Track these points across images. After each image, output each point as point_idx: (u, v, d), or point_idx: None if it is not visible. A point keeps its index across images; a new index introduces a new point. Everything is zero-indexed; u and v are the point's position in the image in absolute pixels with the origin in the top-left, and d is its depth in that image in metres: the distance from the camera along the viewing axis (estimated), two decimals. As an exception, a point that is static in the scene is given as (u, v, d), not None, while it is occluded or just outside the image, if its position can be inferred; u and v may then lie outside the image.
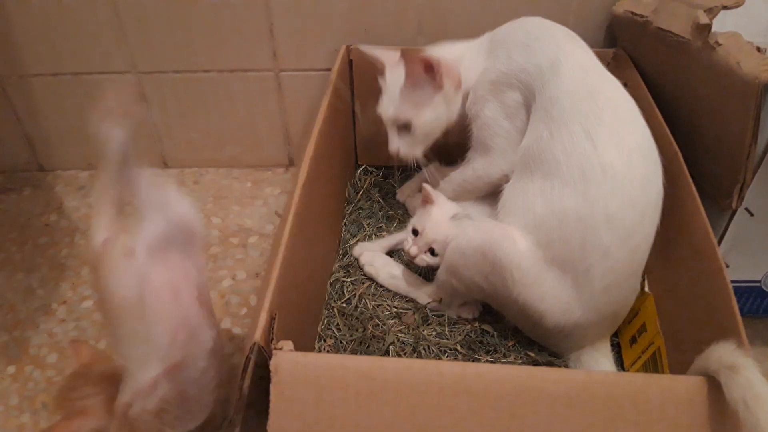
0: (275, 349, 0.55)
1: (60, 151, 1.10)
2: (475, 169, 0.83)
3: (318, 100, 1.00)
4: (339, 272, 0.89)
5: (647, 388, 0.53)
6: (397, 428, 0.53)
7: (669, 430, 0.52)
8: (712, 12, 0.69)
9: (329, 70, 0.96)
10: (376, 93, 0.86)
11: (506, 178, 0.77)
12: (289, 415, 0.54)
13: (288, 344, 0.56)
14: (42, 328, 0.87)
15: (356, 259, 0.90)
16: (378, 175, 1.05)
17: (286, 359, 0.54)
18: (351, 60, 0.95)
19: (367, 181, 1.03)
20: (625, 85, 0.86)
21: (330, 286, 0.87)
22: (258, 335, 0.56)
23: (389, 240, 0.92)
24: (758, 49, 0.66)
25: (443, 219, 0.81)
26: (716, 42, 0.69)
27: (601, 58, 0.90)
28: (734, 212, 0.74)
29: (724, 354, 0.52)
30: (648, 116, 0.78)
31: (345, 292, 0.87)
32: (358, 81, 0.96)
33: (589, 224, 0.65)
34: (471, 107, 0.82)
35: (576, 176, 0.66)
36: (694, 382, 0.53)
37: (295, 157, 1.11)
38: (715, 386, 0.52)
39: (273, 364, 0.54)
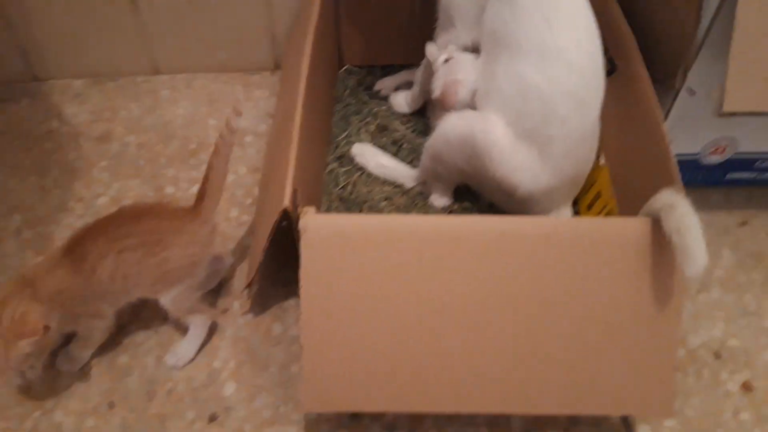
0: (301, 212, 0.66)
1: (54, 60, 1.13)
2: (439, 44, 0.93)
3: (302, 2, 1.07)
4: (333, 163, 0.99)
5: (604, 227, 0.67)
6: (408, 268, 0.65)
7: (620, 258, 0.65)
8: None
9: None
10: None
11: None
12: (319, 262, 0.65)
13: (311, 209, 0.67)
14: (63, 223, 0.95)
15: (347, 152, 1.00)
16: (361, 74, 1.13)
17: (312, 219, 0.65)
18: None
19: (352, 81, 1.12)
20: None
21: (327, 175, 0.98)
22: (286, 201, 0.66)
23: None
24: (702, -57, 0.76)
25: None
26: (668, -62, 0.78)
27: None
28: (678, 92, 0.86)
29: (665, 196, 0.65)
30: (608, 11, 0.88)
31: (340, 180, 0.97)
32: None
33: (548, 98, 0.77)
34: None
35: (535, 56, 0.77)
36: (640, 221, 0.66)
37: (280, 60, 1.18)
38: (657, 225, 0.65)
39: (302, 223, 0.65)
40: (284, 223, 0.69)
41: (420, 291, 0.66)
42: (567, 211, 0.89)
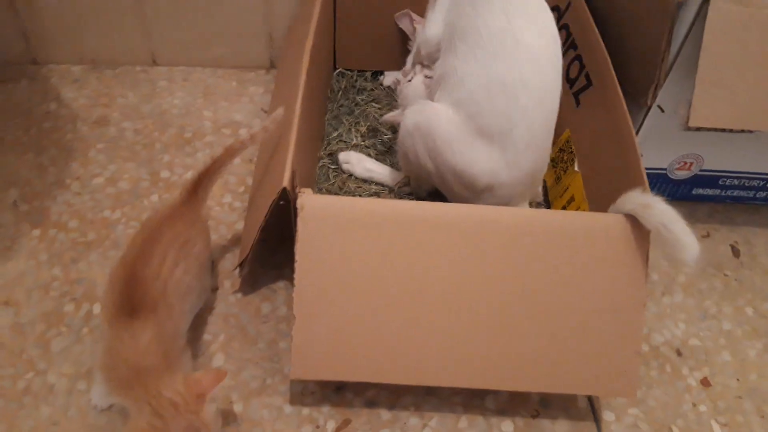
0: (299, 192, 0.70)
1: (54, 45, 1.16)
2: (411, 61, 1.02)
3: (300, 3, 1.12)
4: (325, 159, 1.04)
5: (578, 220, 0.73)
6: (395, 249, 0.70)
7: (593, 249, 0.71)
8: (644, -58, 0.86)
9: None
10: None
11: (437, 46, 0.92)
12: (314, 239, 0.69)
13: (308, 190, 0.71)
14: (59, 200, 0.97)
15: (338, 150, 1.04)
16: (353, 77, 1.18)
17: (309, 199, 0.70)
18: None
19: (344, 83, 1.17)
20: (569, 4, 1.03)
21: (319, 169, 1.02)
22: (286, 181, 0.70)
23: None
24: (676, -26, 0.83)
25: None
26: (645, -33, 0.85)
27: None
28: (649, 109, 0.93)
29: (637, 196, 0.71)
30: (586, 31, 0.95)
31: (330, 176, 1.02)
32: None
33: (509, 90, 0.79)
34: None
35: (496, 48, 0.81)
36: (612, 217, 0.72)
37: (275, 59, 1.23)
38: (623, 221, 0.71)
39: (299, 202, 0.69)
40: (282, 202, 0.73)
41: (406, 270, 0.70)
42: (525, 206, 0.93)
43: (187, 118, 1.12)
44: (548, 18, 0.85)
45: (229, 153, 0.82)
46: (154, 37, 1.17)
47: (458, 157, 0.84)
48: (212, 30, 1.17)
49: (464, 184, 0.86)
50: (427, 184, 0.95)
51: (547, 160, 0.90)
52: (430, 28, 0.93)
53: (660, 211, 0.69)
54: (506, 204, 0.88)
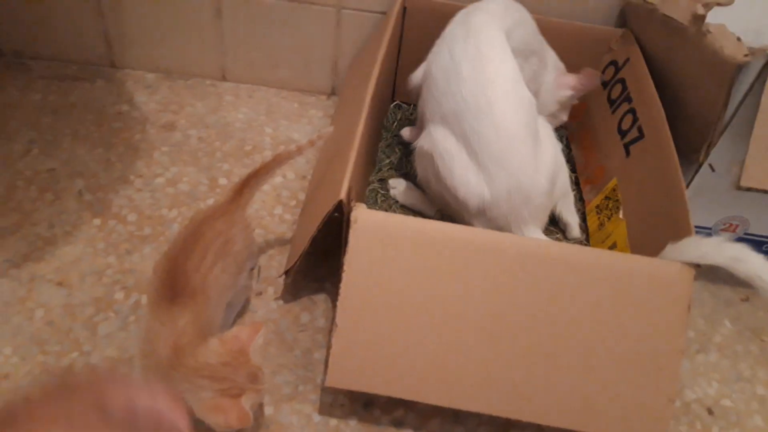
0: (354, 206, 0.74)
1: (132, 51, 1.24)
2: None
3: (368, 39, 1.18)
4: (375, 183, 1.08)
5: (622, 261, 0.74)
6: (440, 270, 0.72)
7: (635, 293, 0.72)
8: (707, 6, 0.88)
9: (385, 13, 1.13)
10: (423, 41, 1.03)
11: None
12: (363, 252, 0.72)
13: (362, 205, 0.74)
14: (122, 194, 1.02)
15: (388, 177, 1.08)
16: (408, 110, 1.23)
17: (362, 212, 0.73)
18: (405, 7, 1.12)
19: (400, 115, 1.21)
20: (627, 60, 1.06)
21: (369, 192, 1.06)
22: (342, 194, 0.74)
23: None
24: (738, 39, 0.86)
25: None
26: (707, 30, 0.88)
27: (611, 36, 1.11)
28: (700, 166, 0.94)
29: (721, 248, 0.71)
30: (642, 86, 0.98)
31: (378, 200, 1.05)
32: (408, 27, 1.14)
33: (461, 117, 0.87)
34: None
35: (442, 86, 0.90)
36: (660, 262, 0.73)
37: (337, 87, 1.28)
38: (668, 267, 0.72)
39: (353, 215, 0.73)
40: (336, 214, 0.76)
41: (449, 292, 0.72)
42: (538, 233, 0.93)
43: (249, 132, 1.17)
44: (495, 53, 0.89)
45: (277, 161, 0.86)
46: (227, 54, 1.24)
47: (451, 179, 0.89)
48: (281, 53, 1.23)
49: (465, 211, 0.90)
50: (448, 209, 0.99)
51: (536, 182, 0.89)
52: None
53: (754, 263, 0.70)
54: (501, 229, 0.89)
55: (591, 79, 1.08)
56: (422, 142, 0.94)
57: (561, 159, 0.98)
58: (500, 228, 0.89)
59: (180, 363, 0.66)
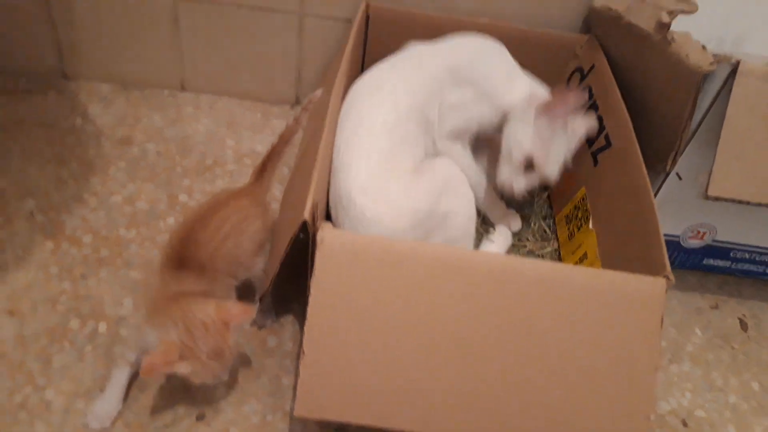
0: (318, 227, 0.71)
1: (86, 62, 1.19)
2: None
3: (333, 47, 1.15)
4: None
5: (596, 278, 0.72)
6: (411, 291, 0.70)
7: (607, 307, 0.71)
8: (672, 14, 0.88)
9: (350, 21, 1.10)
10: (387, 49, 1.01)
11: None
12: (330, 274, 0.69)
13: (328, 225, 0.71)
14: (76, 214, 0.98)
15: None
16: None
17: (329, 232, 0.70)
18: (368, 15, 1.09)
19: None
20: (592, 67, 1.06)
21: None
22: (306, 214, 0.71)
23: None
24: (703, 47, 0.85)
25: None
26: (672, 38, 0.87)
27: (576, 42, 1.10)
28: (667, 175, 0.94)
29: None
30: (608, 94, 0.97)
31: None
32: (372, 36, 1.11)
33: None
34: None
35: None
36: (633, 277, 0.72)
37: (301, 96, 1.25)
38: (640, 281, 0.71)
39: (319, 236, 0.70)
40: (302, 235, 0.73)
41: (420, 314, 0.70)
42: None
43: (210, 145, 1.13)
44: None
45: (282, 140, 0.92)
46: (186, 64, 1.20)
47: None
48: (243, 62, 1.19)
49: None
50: None
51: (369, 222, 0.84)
52: None
53: None
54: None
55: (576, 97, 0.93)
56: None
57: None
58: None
59: (174, 305, 0.71)
